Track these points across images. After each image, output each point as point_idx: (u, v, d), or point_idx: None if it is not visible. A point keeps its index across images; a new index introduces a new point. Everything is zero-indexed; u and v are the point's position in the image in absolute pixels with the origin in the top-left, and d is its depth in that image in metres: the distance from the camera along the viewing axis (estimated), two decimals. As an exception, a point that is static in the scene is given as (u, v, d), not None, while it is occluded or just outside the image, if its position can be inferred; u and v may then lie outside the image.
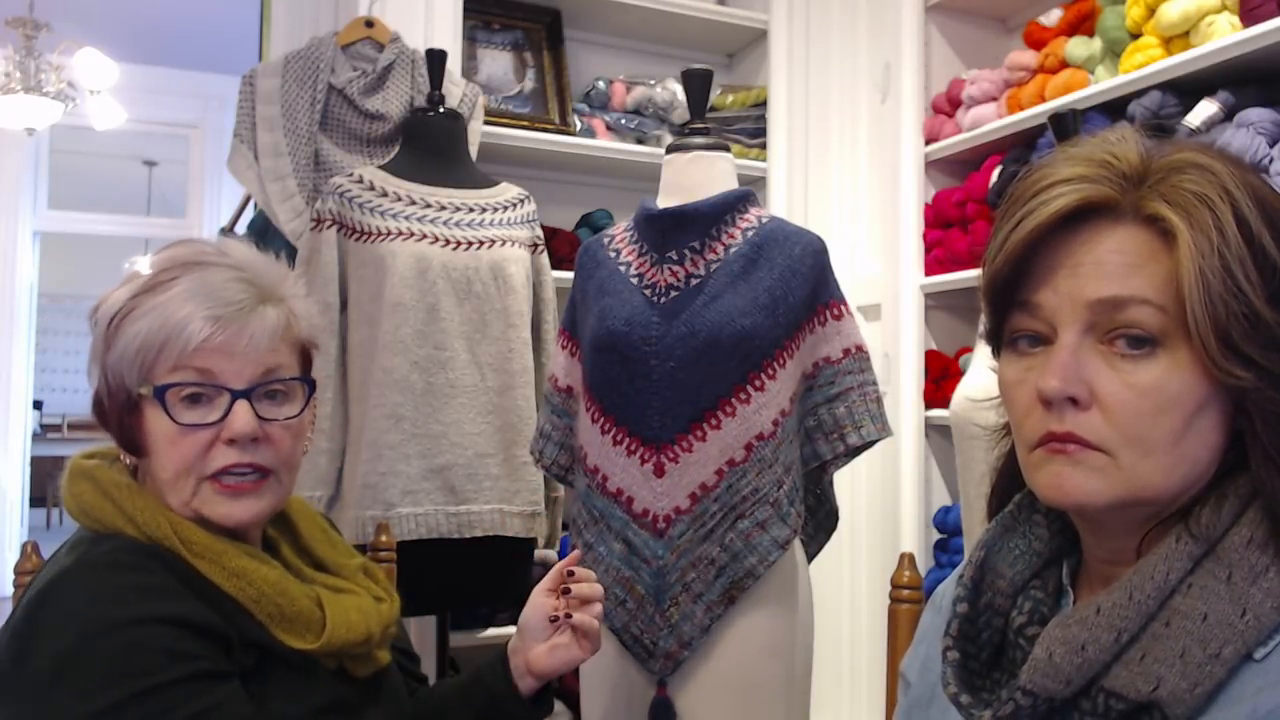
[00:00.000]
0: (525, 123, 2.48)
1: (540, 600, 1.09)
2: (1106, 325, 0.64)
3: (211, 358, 0.92)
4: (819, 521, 1.60)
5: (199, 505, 0.93)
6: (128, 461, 0.97)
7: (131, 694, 0.82)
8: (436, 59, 2.01)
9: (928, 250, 2.35)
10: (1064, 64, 2.09)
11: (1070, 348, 0.65)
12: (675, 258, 1.48)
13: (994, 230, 0.70)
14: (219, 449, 0.93)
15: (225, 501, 0.94)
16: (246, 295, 0.94)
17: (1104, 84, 1.95)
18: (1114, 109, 1.95)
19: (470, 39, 2.51)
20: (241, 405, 0.93)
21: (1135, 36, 1.93)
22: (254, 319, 0.93)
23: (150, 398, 0.92)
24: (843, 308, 1.52)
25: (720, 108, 2.71)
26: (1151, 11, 1.86)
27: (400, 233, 1.89)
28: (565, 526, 2.22)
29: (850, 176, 2.59)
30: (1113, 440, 0.64)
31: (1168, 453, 0.63)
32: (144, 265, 0.96)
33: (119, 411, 0.94)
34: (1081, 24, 2.10)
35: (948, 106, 2.39)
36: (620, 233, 1.59)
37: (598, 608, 1.09)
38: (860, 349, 1.51)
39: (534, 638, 1.08)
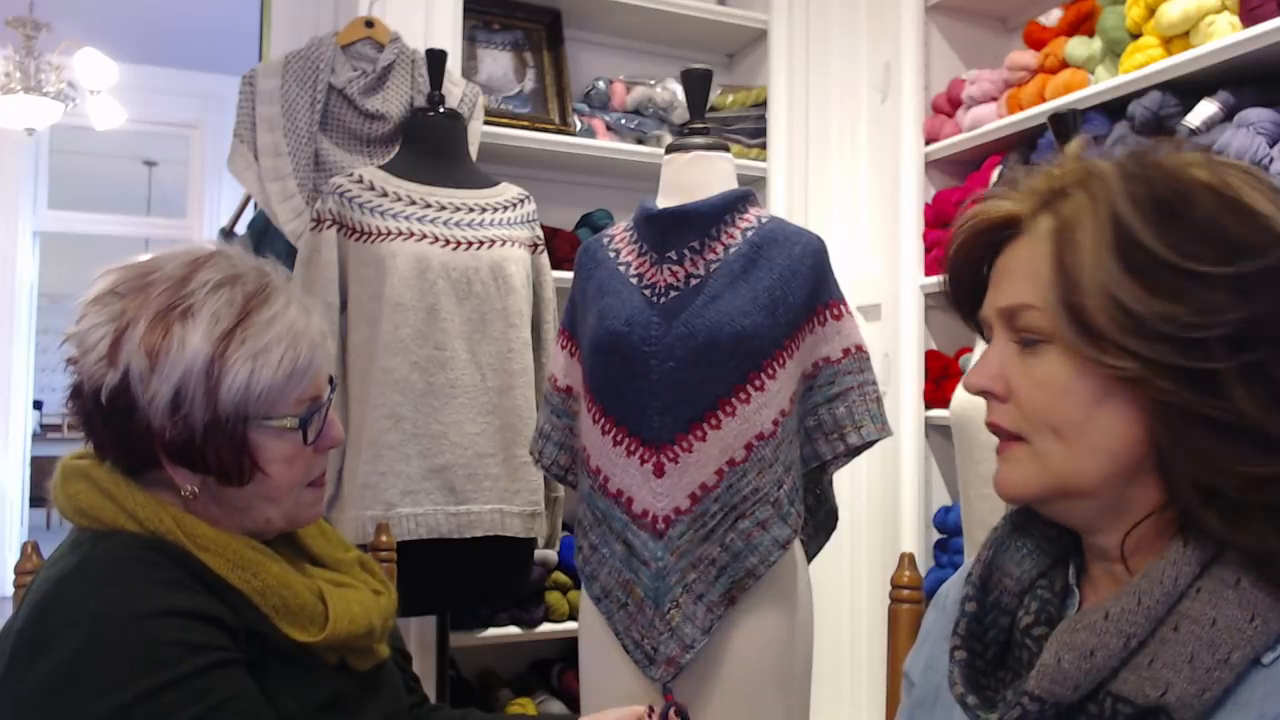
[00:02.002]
0: (525, 123, 2.48)
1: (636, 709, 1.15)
2: (1013, 329, 0.71)
3: (320, 383, 0.98)
4: (819, 521, 1.60)
5: (299, 511, 0.99)
6: (194, 489, 0.93)
7: (151, 688, 0.82)
8: (436, 59, 2.01)
9: (928, 250, 2.35)
10: (1064, 64, 2.09)
11: (994, 349, 0.72)
12: (675, 258, 1.48)
13: None
14: (315, 458, 0.99)
15: (318, 501, 1.02)
16: (311, 314, 0.99)
17: (1104, 84, 1.95)
18: (1114, 109, 1.95)
19: (470, 39, 2.51)
20: (333, 414, 1.00)
21: (1135, 36, 1.93)
22: (326, 340, 1.00)
23: (283, 429, 0.94)
24: (842, 308, 1.52)
25: (720, 108, 2.70)
26: (1151, 11, 1.86)
27: (400, 233, 1.88)
28: (566, 527, 2.22)
29: (850, 176, 2.58)
30: (1024, 427, 0.70)
31: (1076, 440, 0.67)
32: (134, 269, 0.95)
33: (224, 444, 0.91)
34: (1081, 24, 2.10)
35: (948, 106, 2.39)
36: (620, 233, 1.59)
37: None
38: (860, 349, 1.51)
39: None
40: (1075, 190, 0.68)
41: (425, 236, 1.90)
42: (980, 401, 0.74)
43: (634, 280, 1.49)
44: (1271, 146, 1.67)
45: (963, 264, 0.76)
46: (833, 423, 1.48)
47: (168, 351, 0.88)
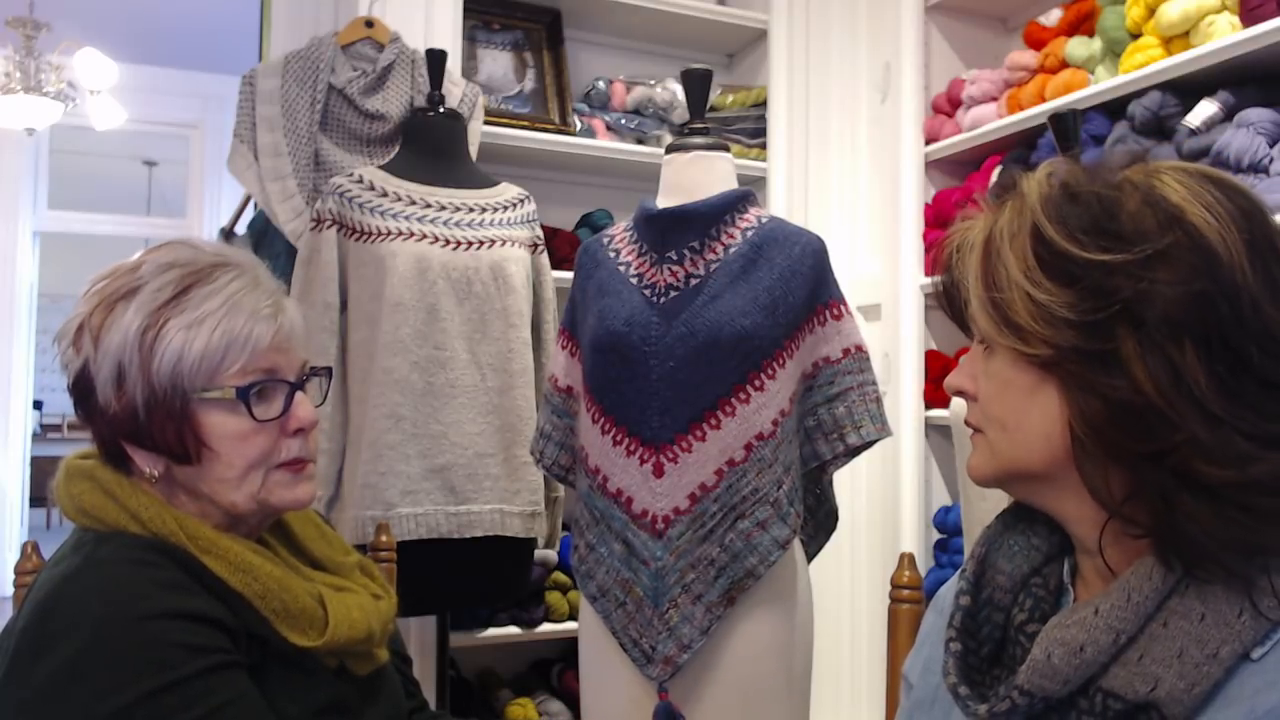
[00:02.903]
0: (525, 123, 2.48)
1: None
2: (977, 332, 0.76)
3: (271, 356, 0.95)
4: (819, 521, 1.60)
5: (268, 494, 0.96)
6: (156, 472, 0.93)
7: (152, 690, 0.82)
8: (436, 59, 2.01)
9: (928, 250, 2.35)
10: (1064, 64, 2.09)
11: (971, 353, 0.77)
12: (675, 258, 1.48)
13: None
14: (284, 441, 0.97)
15: (296, 484, 0.98)
16: (273, 293, 0.97)
17: (1104, 84, 1.95)
18: (1114, 109, 1.95)
19: (470, 39, 2.51)
20: (301, 396, 0.98)
21: (1135, 36, 1.93)
22: (285, 315, 0.98)
23: (222, 400, 0.92)
24: (842, 307, 1.52)
25: (720, 108, 2.70)
26: (1151, 11, 1.86)
27: (400, 233, 1.89)
28: (566, 527, 2.22)
29: (850, 176, 2.58)
30: (982, 421, 0.75)
31: (1017, 428, 0.71)
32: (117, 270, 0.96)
33: (166, 419, 0.91)
34: (1081, 24, 2.10)
35: (948, 106, 2.39)
36: (620, 233, 1.59)
37: None
38: (860, 349, 1.51)
39: None
40: (1010, 201, 0.73)
41: (425, 236, 1.90)
42: None
43: (634, 280, 1.49)
44: (1271, 146, 1.67)
45: (947, 274, 0.81)
46: (832, 423, 1.49)
47: (109, 329, 0.91)
